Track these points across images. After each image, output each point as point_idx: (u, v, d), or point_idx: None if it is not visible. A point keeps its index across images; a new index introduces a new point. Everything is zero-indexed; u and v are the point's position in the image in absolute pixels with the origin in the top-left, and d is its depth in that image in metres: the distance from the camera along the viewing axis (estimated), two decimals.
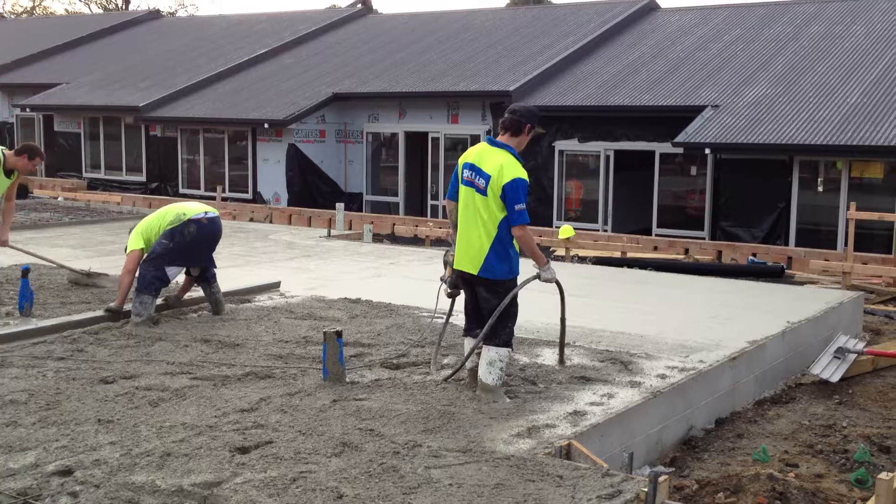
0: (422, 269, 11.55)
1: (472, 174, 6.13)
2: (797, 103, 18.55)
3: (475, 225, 6.09)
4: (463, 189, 6.19)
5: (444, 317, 6.94)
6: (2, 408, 5.73)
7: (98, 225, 15.92)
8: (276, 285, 9.95)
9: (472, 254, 6.13)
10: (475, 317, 6.34)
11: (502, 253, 6.07)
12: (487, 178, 6.02)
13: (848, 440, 6.91)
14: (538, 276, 6.35)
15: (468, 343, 6.43)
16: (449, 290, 6.49)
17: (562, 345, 7.02)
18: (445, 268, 6.50)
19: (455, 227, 6.29)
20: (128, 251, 8.24)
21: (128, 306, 8.14)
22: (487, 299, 6.18)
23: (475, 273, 6.13)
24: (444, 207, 22.49)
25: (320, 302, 9.22)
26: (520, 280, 6.27)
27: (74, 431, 5.33)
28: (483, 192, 6.04)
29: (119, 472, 4.74)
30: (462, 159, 6.25)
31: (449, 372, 6.60)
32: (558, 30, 25.66)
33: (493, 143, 6.21)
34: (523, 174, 6.05)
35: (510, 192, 5.95)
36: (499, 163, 6.03)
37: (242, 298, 9.24)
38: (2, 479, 4.64)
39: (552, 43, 24.51)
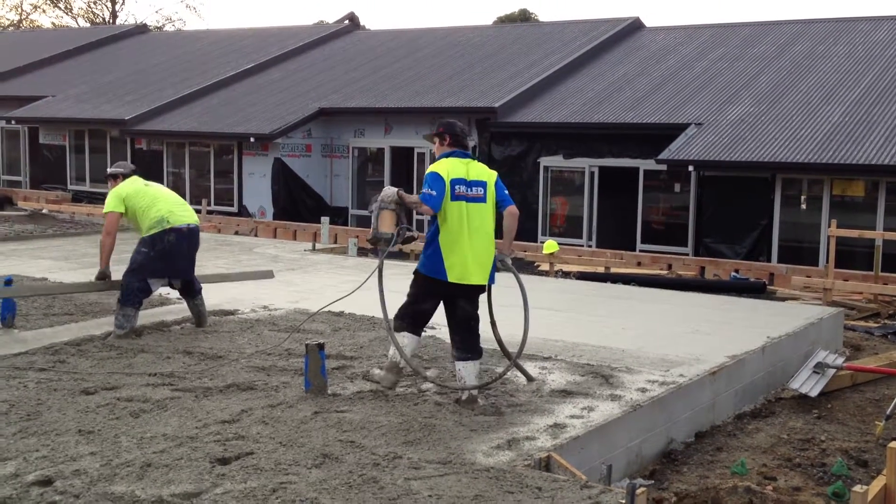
0: (406, 284, 11.56)
1: (464, 188, 6.26)
2: (780, 122, 18.72)
3: (486, 236, 6.32)
4: (455, 206, 6.22)
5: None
6: None
7: (82, 237, 15.88)
8: (269, 273, 10.03)
9: (486, 265, 6.31)
10: (457, 329, 6.40)
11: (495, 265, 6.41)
12: (483, 184, 6.35)
13: (826, 454, 6.97)
14: (503, 260, 6.49)
15: (472, 368, 6.36)
16: (413, 234, 6.44)
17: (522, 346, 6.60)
18: (398, 219, 6.34)
19: (411, 206, 6.35)
20: (106, 211, 8.19)
21: (112, 305, 8.12)
22: (465, 307, 6.34)
23: (486, 283, 6.37)
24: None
25: (304, 314, 9.23)
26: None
27: (55, 442, 5.33)
28: (483, 199, 6.33)
29: (99, 482, 4.74)
30: (447, 174, 6.24)
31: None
32: (544, 47, 25.82)
33: (463, 155, 6.47)
34: None
35: (499, 184, 6.48)
36: (483, 168, 6.47)
37: (226, 310, 9.25)
38: None
39: (538, 60, 24.66)
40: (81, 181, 27.93)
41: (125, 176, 8.46)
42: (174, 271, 8.22)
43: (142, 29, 39.48)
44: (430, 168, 6.33)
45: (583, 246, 19.63)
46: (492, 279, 6.43)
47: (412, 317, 6.45)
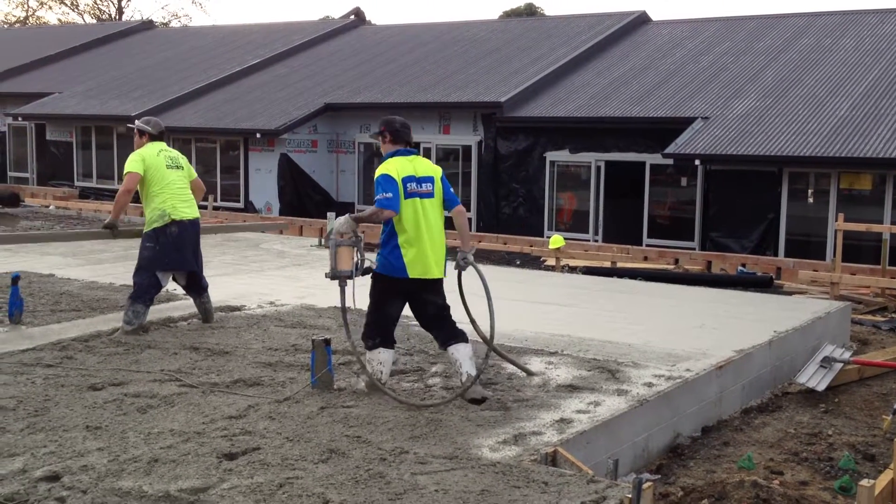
0: None
1: (415, 185, 6.34)
2: (787, 115, 18.67)
3: (440, 231, 6.44)
4: (410, 203, 6.29)
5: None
6: None
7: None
8: (284, 226, 10.02)
9: (442, 259, 6.44)
10: (433, 322, 6.49)
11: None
12: (431, 179, 6.45)
13: (833, 448, 6.96)
14: (465, 256, 6.52)
15: (465, 350, 6.39)
16: (370, 266, 6.40)
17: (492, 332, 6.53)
18: (357, 253, 6.34)
19: (369, 221, 6.37)
20: (127, 171, 8.13)
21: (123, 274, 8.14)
22: (434, 301, 6.45)
23: (443, 276, 6.46)
24: None
25: (310, 310, 9.25)
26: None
27: (62, 438, 5.35)
28: (432, 194, 6.42)
29: (106, 477, 4.75)
30: (398, 174, 6.28)
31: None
32: (550, 42, 25.79)
33: (408, 152, 6.53)
34: None
35: (445, 181, 6.56)
36: (428, 163, 6.57)
37: (232, 306, 9.26)
38: None
39: (544, 55, 24.63)
40: (88, 177, 27.99)
41: (151, 136, 8.36)
42: (182, 261, 8.22)
43: (147, 25, 39.51)
44: (379, 170, 6.34)
45: (589, 241, 19.61)
46: (443, 272, 6.52)
47: (380, 328, 6.41)
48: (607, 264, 16.15)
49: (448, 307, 6.53)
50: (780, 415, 7.85)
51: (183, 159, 8.47)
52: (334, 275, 6.36)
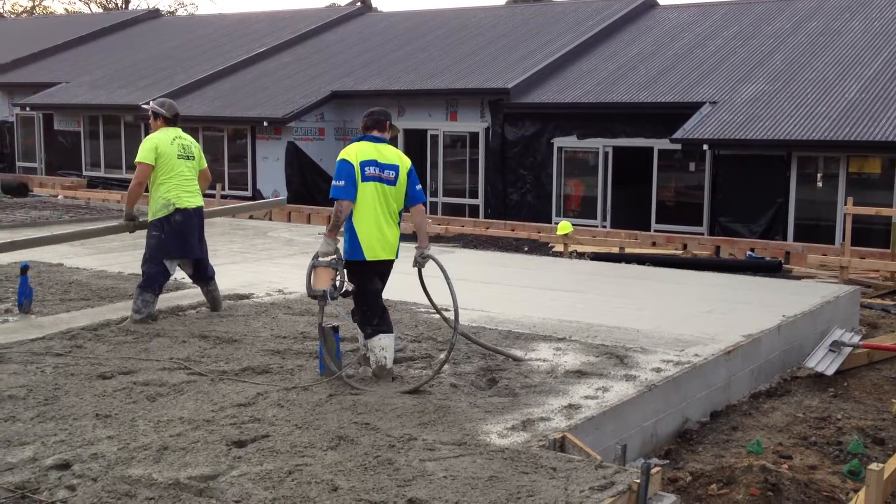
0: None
1: (377, 170, 6.43)
2: (795, 99, 18.58)
3: (389, 214, 6.50)
4: (370, 185, 6.39)
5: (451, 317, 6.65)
6: (1, 403, 5.77)
7: (98, 223, 15.95)
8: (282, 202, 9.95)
9: (391, 241, 6.51)
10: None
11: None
12: (396, 167, 6.50)
13: (842, 432, 6.95)
14: (423, 255, 6.59)
15: (389, 339, 6.49)
16: (351, 289, 6.44)
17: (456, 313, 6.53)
18: (336, 275, 6.37)
19: (339, 227, 6.40)
20: (137, 161, 8.12)
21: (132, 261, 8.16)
22: (384, 283, 6.59)
23: (395, 258, 6.57)
24: (442, 204, 22.56)
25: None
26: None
27: (72, 426, 5.37)
28: (393, 182, 6.48)
29: (116, 465, 4.78)
30: (356, 158, 6.40)
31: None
32: (557, 27, 25.69)
33: (375, 139, 6.59)
34: None
35: (413, 175, 6.61)
36: (396, 152, 6.62)
37: (241, 294, 9.28)
38: (0, 472, 4.68)
39: (551, 40, 24.53)
40: (96, 167, 28.02)
41: (166, 120, 8.32)
42: (188, 249, 8.22)
43: (154, 14, 39.48)
44: (339, 155, 6.52)
45: (597, 226, 19.58)
46: (397, 255, 6.60)
47: (372, 308, 6.45)
48: (615, 250, 16.13)
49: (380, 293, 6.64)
50: (788, 399, 7.84)
51: (196, 148, 8.43)
52: (311, 294, 6.47)
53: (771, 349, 8.35)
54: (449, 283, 6.33)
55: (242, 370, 6.60)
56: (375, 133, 6.61)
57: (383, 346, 6.44)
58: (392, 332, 6.56)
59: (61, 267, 10.79)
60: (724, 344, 7.70)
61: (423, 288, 6.89)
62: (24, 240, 9.10)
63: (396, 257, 6.61)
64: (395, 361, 6.87)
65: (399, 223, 6.61)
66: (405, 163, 6.60)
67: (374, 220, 6.39)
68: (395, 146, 6.78)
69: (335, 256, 6.38)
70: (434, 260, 6.50)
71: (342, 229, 6.45)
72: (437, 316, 8.24)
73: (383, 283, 6.63)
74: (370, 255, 6.39)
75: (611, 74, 21.73)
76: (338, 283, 6.35)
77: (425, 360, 7.00)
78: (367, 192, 6.39)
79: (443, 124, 22.83)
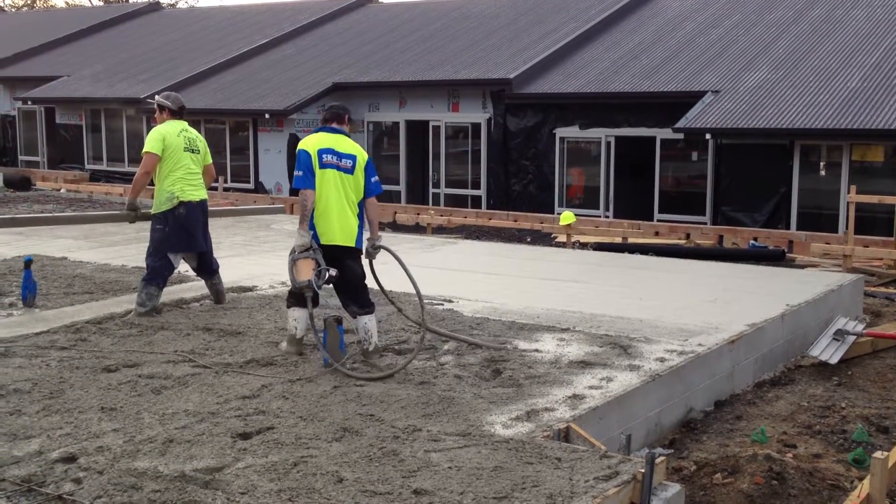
0: (423, 257, 11.59)
1: (335, 157, 6.62)
2: (798, 88, 18.54)
3: (346, 202, 6.63)
4: (327, 172, 6.58)
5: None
6: (6, 397, 5.78)
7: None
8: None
9: (347, 229, 6.63)
10: (348, 290, 6.72)
11: (362, 225, 6.79)
12: (353, 158, 6.69)
13: (846, 421, 6.95)
14: (374, 246, 6.79)
15: (370, 321, 6.70)
16: (335, 273, 6.53)
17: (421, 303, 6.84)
18: (318, 264, 6.50)
19: (308, 217, 6.52)
20: (145, 152, 8.11)
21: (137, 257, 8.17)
22: (353, 268, 6.69)
23: (353, 245, 6.66)
24: (445, 196, 22.55)
25: (321, 290, 9.24)
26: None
27: (78, 419, 5.38)
28: (351, 171, 6.66)
29: (122, 458, 4.79)
30: (314, 147, 6.61)
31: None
32: (559, 17, 25.63)
33: (334, 130, 6.78)
34: None
35: (370, 167, 6.81)
36: (353, 143, 6.79)
37: (244, 286, 9.29)
38: (6, 466, 4.69)
39: (553, 30, 24.49)
40: (98, 160, 28.05)
41: (172, 113, 8.31)
42: (192, 242, 8.22)
43: (155, 6, 39.43)
44: (299, 145, 6.72)
45: (600, 217, 19.57)
46: (359, 243, 6.71)
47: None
48: (618, 240, 16.13)
49: (363, 279, 6.78)
50: (792, 388, 7.84)
51: (201, 142, 8.42)
52: (296, 287, 6.61)
53: (775, 338, 8.35)
54: (406, 271, 6.64)
55: (247, 362, 6.60)
56: (334, 125, 6.81)
57: (296, 318, 6.74)
58: (306, 308, 6.65)
59: (65, 260, 10.80)
60: (727, 333, 7.70)
61: (375, 278, 6.99)
62: (24, 217, 9.08)
63: (357, 246, 6.69)
64: (399, 353, 6.93)
65: (359, 214, 6.73)
66: (362, 154, 6.78)
67: (333, 205, 6.57)
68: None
69: (312, 247, 6.54)
70: (387, 250, 6.72)
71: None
72: (440, 307, 8.29)
73: (351, 269, 6.69)
74: (325, 239, 6.58)
75: (613, 64, 21.69)
76: (320, 272, 6.48)
77: (429, 352, 7.00)
78: (326, 178, 6.59)
79: (445, 115, 22.81)
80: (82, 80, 29.03)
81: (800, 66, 19.54)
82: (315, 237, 6.56)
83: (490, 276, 10.46)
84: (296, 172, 6.62)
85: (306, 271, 6.48)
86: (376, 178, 6.85)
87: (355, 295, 6.72)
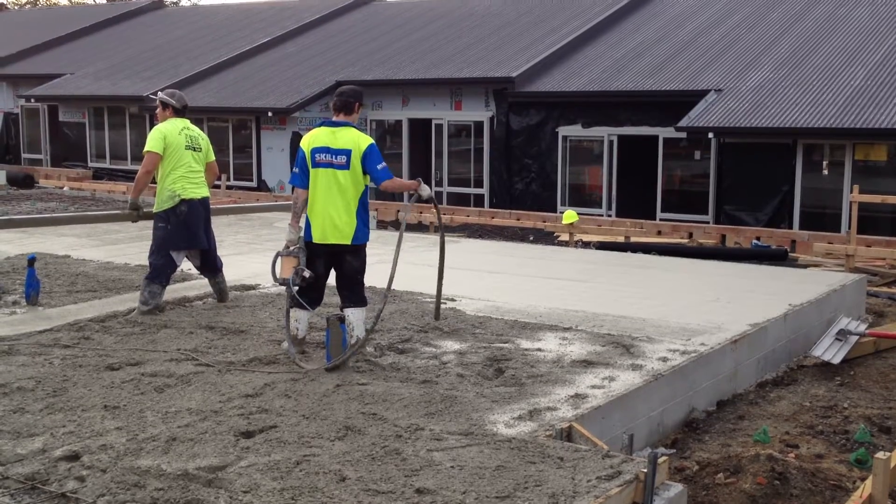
0: (426, 255, 11.59)
1: (329, 156, 6.62)
2: (801, 86, 18.52)
3: (339, 200, 6.60)
4: (319, 172, 6.62)
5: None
6: (9, 395, 5.79)
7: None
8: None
9: (340, 226, 6.62)
10: (343, 283, 6.79)
11: (366, 218, 6.74)
12: (348, 152, 6.61)
13: (849, 421, 6.95)
14: (420, 197, 6.95)
15: (358, 314, 6.74)
16: (308, 275, 6.62)
17: (439, 297, 7.06)
18: (298, 263, 6.61)
19: (298, 214, 6.68)
20: (146, 150, 8.12)
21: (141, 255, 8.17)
22: (350, 263, 6.73)
23: (348, 243, 6.66)
24: (447, 194, 22.54)
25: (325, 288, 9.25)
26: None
27: (81, 417, 5.39)
28: (346, 167, 6.61)
29: (125, 456, 4.80)
30: (308, 146, 6.66)
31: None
32: (562, 15, 25.62)
33: (333, 124, 6.75)
34: (372, 140, 6.80)
35: (370, 155, 6.63)
36: (351, 137, 6.66)
37: (247, 285, 9.30)
38: (10, 464, 4.71)
39: (555, 28, 24.48)
40: (102, 158, 28.07)
41: (175, 110, 8.30)
42: (194, 240, 8.23)
43: (158, 4, 39.43)
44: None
45: (602, 215, 19.56)
46: (359, 239, 6.69)
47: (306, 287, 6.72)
48: (621, 239, 16.13)
49: (362, 272, 6.82)
50: (795, 388, 7.84)
51: (203, 140, 8.41)
52: (276, 282, 6.79)
53: (777, 338, 8.34)
54: (397, 248, 6.84)
55: (249, 361, 6.61)
56: (341, 117, 6.76)
57: (297, 318, 6.77)
58: (311, 311, 6.79)
59: (68, 259, 10.81)
60: (730, 333, 7.70)
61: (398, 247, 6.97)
62: (23, 218, 9.09)
63: (355, 242, 6.70)
64: (402, 352, 6.92)
65: (358, 210, 6.67)
66: (358, 146, 6.62)
67: (323, 204, 6.61)
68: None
69: (298, 245, 6.63)
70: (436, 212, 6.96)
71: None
72: (443, 306, 8.27)
73: (327, 271, 6.78)
74: (317, 237, 6.64)
75: (616, 62, 21.68)
76: (299, 271, 6.59)
77: (433, 350, 7.01)
78: (318, 178, 6.62)
79: (447, 113, 22.80)
80: (86, 78, 29.05)
81: (803, 65, 19.52)
82: (306, 233, 6.66)
83: (492, 274, 10.47)
84: (294, 170, 6.73)
85: (288, 269, 6.62)
86: (382, 164, 6.68)
87: (349, 289, 6.80)
